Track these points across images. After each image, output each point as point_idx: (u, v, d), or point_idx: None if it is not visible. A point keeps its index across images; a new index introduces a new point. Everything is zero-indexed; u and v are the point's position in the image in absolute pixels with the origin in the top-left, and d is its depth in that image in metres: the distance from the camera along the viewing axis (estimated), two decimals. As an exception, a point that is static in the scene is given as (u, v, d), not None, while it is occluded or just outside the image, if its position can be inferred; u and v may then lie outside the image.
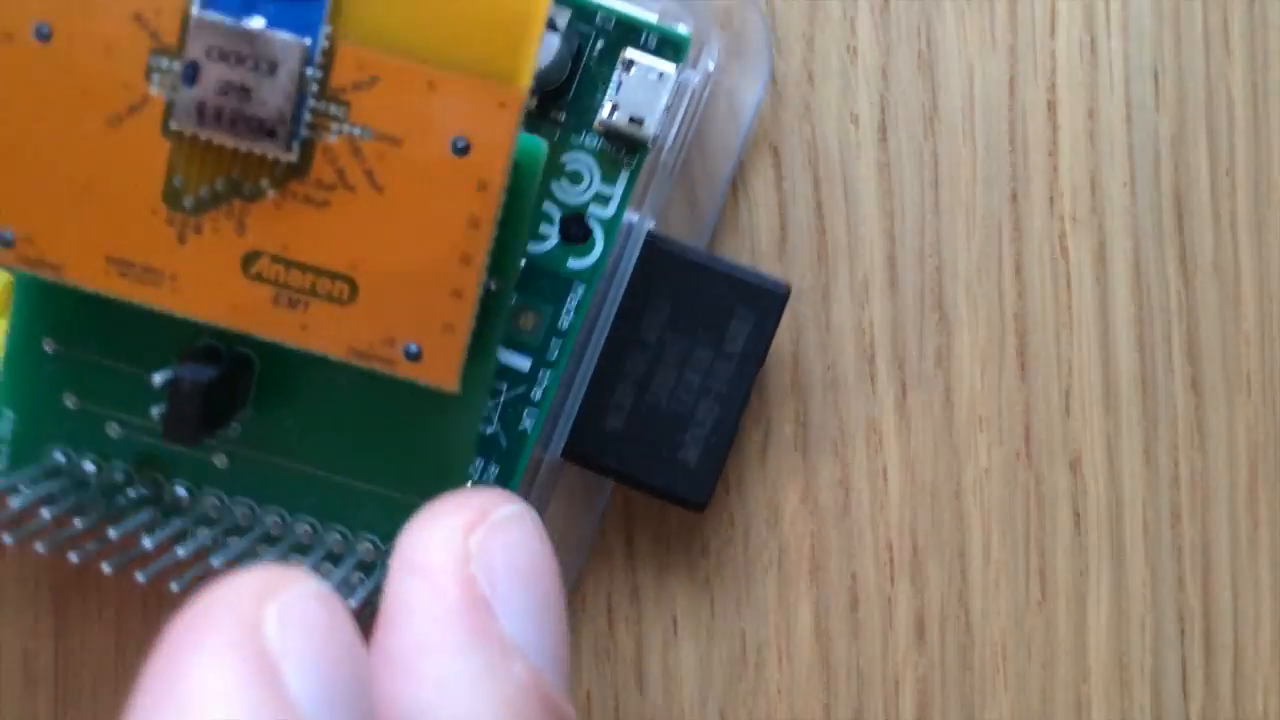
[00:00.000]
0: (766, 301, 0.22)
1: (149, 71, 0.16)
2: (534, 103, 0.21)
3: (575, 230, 0.22)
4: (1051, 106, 0.24)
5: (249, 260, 0.16)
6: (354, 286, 0.16)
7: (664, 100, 0.21)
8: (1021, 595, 0.23)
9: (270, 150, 0.16)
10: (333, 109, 0.16)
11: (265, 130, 0.15)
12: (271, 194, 0.16)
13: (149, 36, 0.16)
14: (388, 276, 0.16)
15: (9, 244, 0.16)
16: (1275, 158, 0.24)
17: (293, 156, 0.16)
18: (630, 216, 0.22)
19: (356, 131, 0.16)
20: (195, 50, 0.15)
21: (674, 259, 0.22)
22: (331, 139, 0.16)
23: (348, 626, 0.13)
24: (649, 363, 0.22)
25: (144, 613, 0.24)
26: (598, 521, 0.23)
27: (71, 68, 0.15)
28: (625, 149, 0.22)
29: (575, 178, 0.22)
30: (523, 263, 0.18)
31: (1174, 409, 0.23)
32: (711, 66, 0.23)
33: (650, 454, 0.22)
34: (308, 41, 0.15)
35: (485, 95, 0.16)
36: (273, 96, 0.15)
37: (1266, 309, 0.23)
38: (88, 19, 0.15)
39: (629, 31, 0.21)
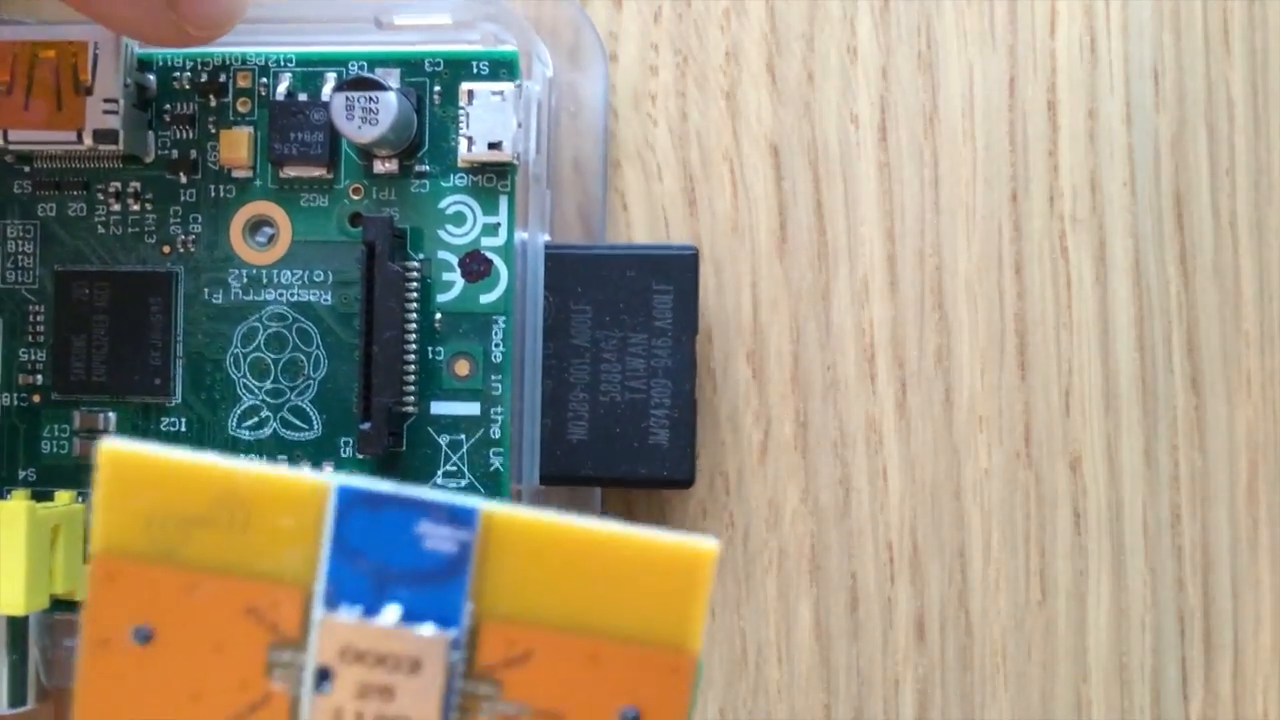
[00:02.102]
0: (678, 269, 0.22)
1: (269, 667, 0.14)
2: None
3: (475, 267, 0.22)
4: (1051, 106, 0.24)
5: None
6: None
7: (513, 118, 0.21)
8: (1021, 595, 0.23)
9: None
10: (483, 689, 0.14)
11: None
12: None
13: (266, 630, 0.14)
14: None
15: None
16: (1275, 158, 0.24)
17: None
18: (522, 237, 0.22)
19: (512, 710, 0.14)
20: (327, 654, 0.14)
21: (578, 261, 0.22)
22: (483, 718, 0.14)
23: None
24: (591, 365, 0.22)
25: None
26: None
27: (179, 670, 0.14)
28: (495, 176, 0.22)
29: (458, 219, 0.22)
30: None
31: (1174, 409, 0.23)
32: (549, 72, 0.23)
33: (623, 450, 0.22)
34: (452, 634, 0.14)
35: (655, 663, 0.14)
36: (420, 697, 0.14)
37: (1266, 309, 0.23)
38: (193, 617, 0.14)
39: (459, 67, 0.22)
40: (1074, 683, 0.23)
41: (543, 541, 0.14)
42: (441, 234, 0.22)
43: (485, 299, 0.22)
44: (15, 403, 0.23)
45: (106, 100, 0.22)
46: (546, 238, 0.23)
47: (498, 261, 0.22)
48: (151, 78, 0.23)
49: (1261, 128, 0.24)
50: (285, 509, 0.14)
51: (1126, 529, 0.23)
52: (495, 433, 0.22)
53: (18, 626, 0.21)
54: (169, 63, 0.23)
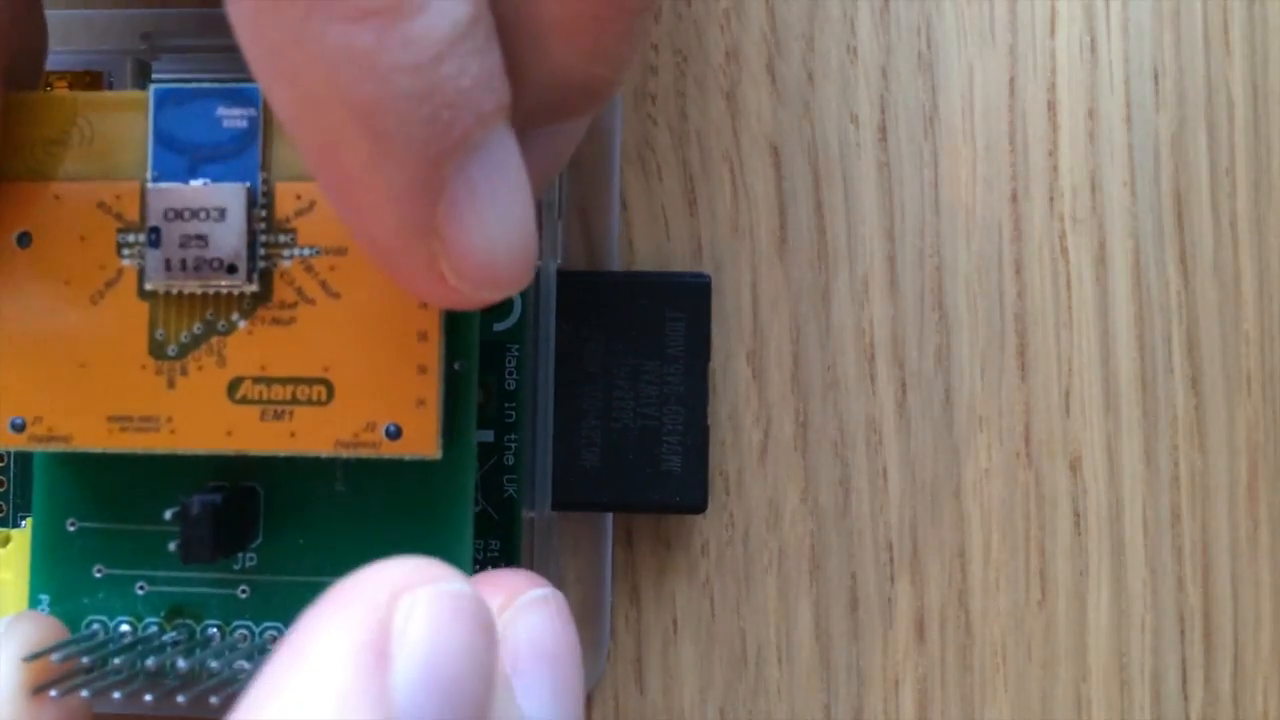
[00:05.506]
0: (691, 297, 0.22)
1: (119, 248, 0.18)
2: None
3: None
4: (1051, 106, 0.24)
5: (233, 387, 0.18)
6: (330, 387, 0.18)
7: None
8: (1021, 595, 0.23)
9: (234, 285, 0.17)
10: (282, 238, 0.18)
11: (227, 267, 0.17)
12: (243, 324, 0.18)
13: (114, 219, 0.18)
14: (358, 370, 0.18)
15: (20, 429, 0.18)
16: (1275, 158, 0.24)
17: (255, 287, 0.18)
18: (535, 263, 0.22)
19: (306, 252, 0.18)
20: (155, 217, 0.17)
21: (591, 287, 0.22)
22: (286, 264, 0.18)
23: (471, 629, 0.14)
24: (604, 392, 0.22)
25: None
26: (611, 557, 0.23)
27: (54, 263, 0.18)
28: None
29: None
30: (478, 339, 0.19)
31: (1174, 409, 0.23)
32: None
33: (636, 476, 0.22)
34: (249, 184, 0.17)
35: None
36: (227, 237, 0.17)
37: (1266, 309, 0.23)
38: (60, 218, 0.18)
39: None
40: (1074, 683, 0.23)
41: None
42: None
43: (499, 327, 0.22)
44: None
45: None
46: (558, 263, 0.22)
47: None
48: None
49: (1261, 128, 0.24)
50: (119, 117, 0.18)
51: (1126, 529, 0.23)
52: (509, 460, 0.22)
53: None
54: None
